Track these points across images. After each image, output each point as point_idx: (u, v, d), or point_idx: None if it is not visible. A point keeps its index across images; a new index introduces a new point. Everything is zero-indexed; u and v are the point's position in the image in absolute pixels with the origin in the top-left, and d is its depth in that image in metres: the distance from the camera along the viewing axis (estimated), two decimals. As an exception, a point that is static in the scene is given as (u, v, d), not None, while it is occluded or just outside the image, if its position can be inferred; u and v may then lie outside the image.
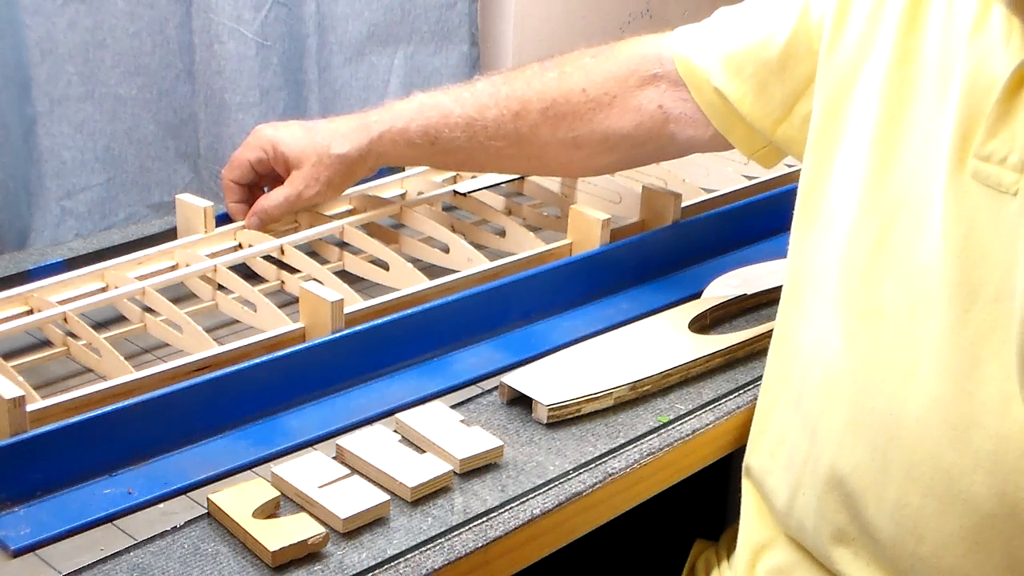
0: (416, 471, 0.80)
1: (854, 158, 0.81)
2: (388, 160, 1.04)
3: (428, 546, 0.75)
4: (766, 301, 1.08)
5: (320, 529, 0.74)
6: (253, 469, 0.82)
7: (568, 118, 1.01)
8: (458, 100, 1.01)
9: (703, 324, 1.03)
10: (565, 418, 0.89)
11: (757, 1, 0.96)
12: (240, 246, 1.05)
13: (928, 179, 0.76)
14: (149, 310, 0.96)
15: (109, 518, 0.76)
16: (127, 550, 0.73)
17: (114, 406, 0.80)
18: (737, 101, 0.94)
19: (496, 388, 0.92)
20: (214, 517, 0.77)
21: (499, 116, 1.01)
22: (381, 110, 1.02)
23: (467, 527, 0.77)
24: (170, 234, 1.09)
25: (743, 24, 0.95)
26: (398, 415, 0.87)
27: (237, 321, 0.99)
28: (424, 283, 0.99)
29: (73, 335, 0.92)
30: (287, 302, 1.00)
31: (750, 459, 0.92)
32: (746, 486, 0.93)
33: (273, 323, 0.93)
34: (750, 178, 1.26)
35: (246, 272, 1.04)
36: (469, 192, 1.14)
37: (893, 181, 0.79)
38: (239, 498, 0.76)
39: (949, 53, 0.76)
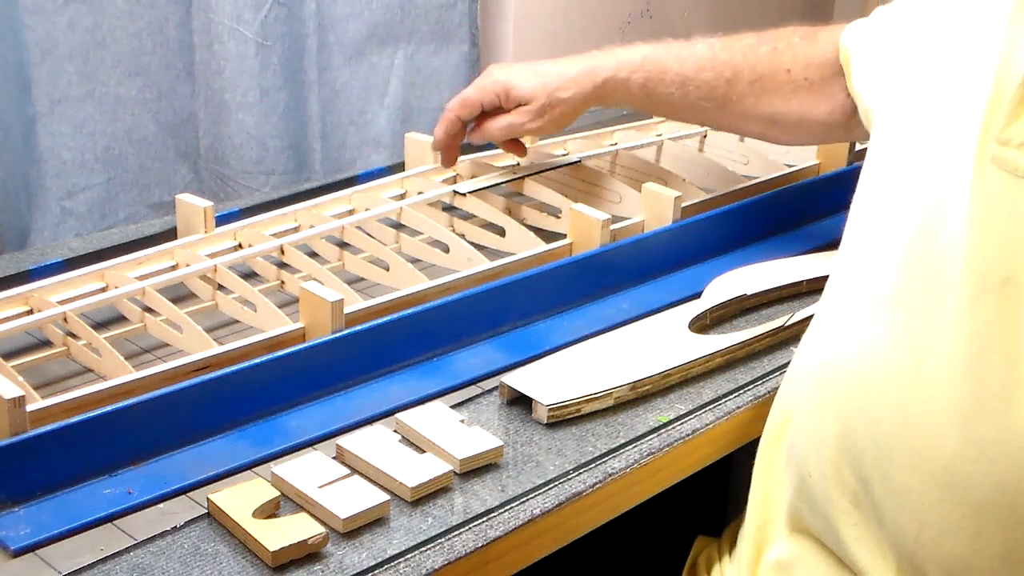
0: (416, 471, 0.80)
1: (901, 146, 0.82)
2: (604, 104, 1.13)
3: (428, 546, 0.75)
4: (766, 301, 1.08)
5: (320, 529, 0.74)
6: (253, 469, 0.82)
7: (771, 94, 1.08)
8: (677, 58, 1.10)
9: (703, 324, 1.03)
10: (565, 418, 0.89)
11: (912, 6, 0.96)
12: (240, 246, 1.05)
13: (958, 164, 0.76)
14: (149, 310, 0.96)
15: (109, 518, 0.76)
16: (127, 550, 0.73)
17: (114, 406, 0.80)
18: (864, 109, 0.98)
19: (496, 388, 0.92)
20: (214, 517, 0.77)
21: (713, 79, 1.09)
22: (606, 56, 1.11)
23: (467, 527, 0.77)
24: (170, 234, 1.09)
25: (885, 32, 0.98)
26: (398, 415, 0.87)
27: (237, 321, 0.99)
28: (424, 283, 0.99)
29: (73, 335, 0.92)
30: (287, 302, 1.00)
31: (764, 442, 0.91)
32: (757, 470, 0.92)
33: (273, 323, 0.93)
34: (750, 178, 1.26)
35: (246, 272, 1.04)
36: (469, 192, 1.14)
37: (930, 168, 0.78)
38: (239, 498, 0.76)
39: (991, 35, 0.76)
